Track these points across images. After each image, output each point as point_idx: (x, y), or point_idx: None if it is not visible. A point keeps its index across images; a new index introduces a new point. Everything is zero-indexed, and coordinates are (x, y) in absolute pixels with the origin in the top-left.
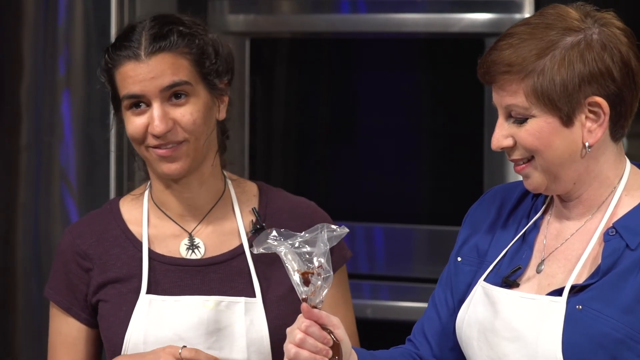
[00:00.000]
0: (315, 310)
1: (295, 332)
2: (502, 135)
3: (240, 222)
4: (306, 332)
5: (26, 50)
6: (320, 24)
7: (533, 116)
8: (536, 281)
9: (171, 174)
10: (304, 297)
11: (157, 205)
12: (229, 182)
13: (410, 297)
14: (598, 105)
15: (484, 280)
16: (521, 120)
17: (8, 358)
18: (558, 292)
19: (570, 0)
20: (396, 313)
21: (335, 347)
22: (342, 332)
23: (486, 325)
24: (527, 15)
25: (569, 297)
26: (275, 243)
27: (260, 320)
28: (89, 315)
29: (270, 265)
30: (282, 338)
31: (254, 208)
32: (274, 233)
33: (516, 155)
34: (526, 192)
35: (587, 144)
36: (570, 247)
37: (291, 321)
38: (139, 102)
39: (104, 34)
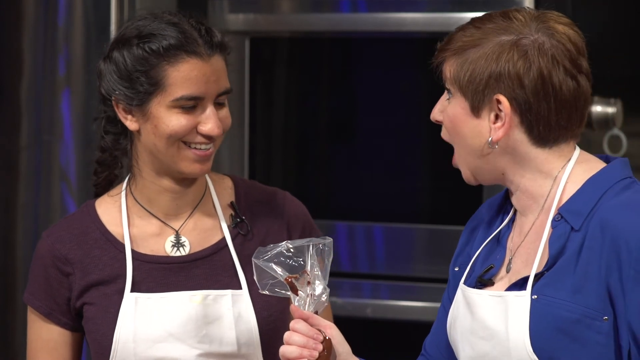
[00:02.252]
0: (305, 311)
1: (285, 332)
2: (438, 108)
3: (221, 217)
4: (293, 329)
5: (26, 50)
6: (320, 24)
7: (453, 95)
8: (507, 279)
9: (201, 173)
10: (295, 304)
11: (140, 204)
12: (207, 177)
13: (410, 297)
14: (502, 104)
15: (463, 283)
16: (448, 97)
17: (8, 358)
18: (516, 285)
19: (571, 3)
20: (396, 312)
21: (326, 342)
22: (335, 332)
23: (466, 327)
24: None
25: (527, 289)
26: (262, 257)
27: (248, 311)
28: (70, 319)
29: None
30: (270, 328)
31: (233, 202)
32: (258, 253)
33: (443, 135)
34: (505, 198)
35: (489, 139)
36: (529, 241)
37: (278, 311)
38: (193, 103)
39: (104, 33)
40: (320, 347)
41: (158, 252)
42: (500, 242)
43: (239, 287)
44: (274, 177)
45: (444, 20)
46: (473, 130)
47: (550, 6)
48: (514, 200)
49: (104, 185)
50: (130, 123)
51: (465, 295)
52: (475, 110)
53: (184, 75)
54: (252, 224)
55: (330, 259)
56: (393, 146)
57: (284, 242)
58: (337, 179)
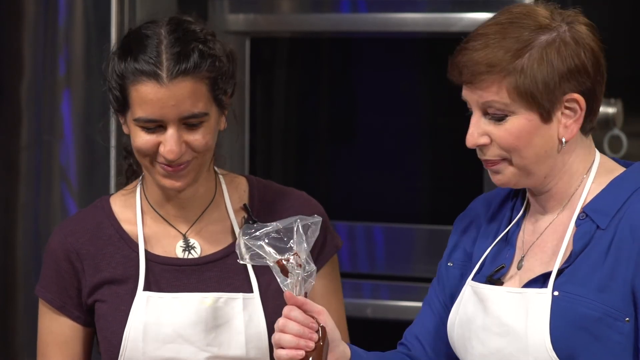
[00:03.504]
0: (300, 297)
1: (278, 319)
2: (477, 132)
3: (233, 219)
4: (288, 317)
5: (26, 50)
6: (320, 24)
7: (513, 112)
8: (517, 277)
9: (174, 189)
10: (286, 289)
11: (151, 206)
12: (221, 178)
13: (410, 297)
14: (575, 101)
15: (472, 279)
16: (499, 118)
17: (8, 358)
18: (535, 282)
19: (571, 3)
20: (396, 313)
21: (321, 331)
22: (327, 318)
23: (477, 323)
24: None
25: (547, 286)
26: (248, 239)
27: (259, 315)
28: (83, 313)
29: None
30: None
31: (245, 204)
32: (244, 229)
33: (490, 155)
34: (508, 195)
35: (563, 139)
36: (545, 240)
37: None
38: (153, 124)
39: (104, 33)
40: (316, 336)
41: (169, 254)
42: (509, 241)
43: (251, 291)
44: (274, 178)
45: (444, 20)
46: (543, 137)
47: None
48: (538, 200)
49: (132, 173)
50: (124, 127)
51: (476, 292)
52: (547, 116)
53: (141, 97)
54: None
55: (315, 238)
56: (393, 146)
57: (274, 223)
58: (337, 179)
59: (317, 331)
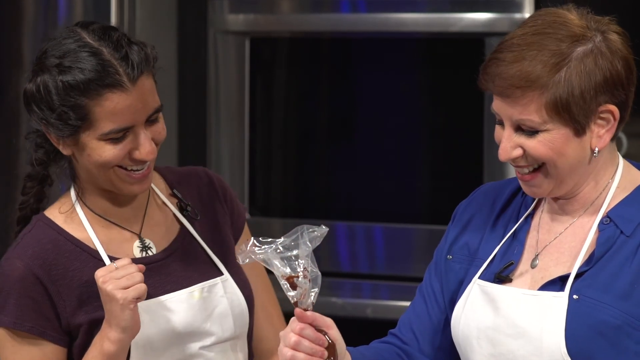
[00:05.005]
0: (309, 312)
1: (289, 335)
2: (510, 146)
3: (172, 207)
4: (300, 335)
5: (26, 50)
6: (320, 24)
7: (546, 130)
8: (529, 276)
9: (140, 192)
10: (294, 300)
11: (98, 215)
12: None
13: (410, 297)
14: (610, 112)
15: (479, 278)
16: (531, 132)
17: None
18: (552, 284)
19: (567, 0)
20: (396, 313)
21: (331, 347)
22: (336, 332)
23: (486, 323)
24: (527, 15)
25: (564, 289)
26: (258, 251)
27: (237, 294)
28: (62, 334)
29: (217, 242)
30: (252, 304)
31: (174, 191)
32: (253, 241)
33: (523, 163)
34: (517, 191)
35: (596, 149)
36: (563, 241)
37: (254, 285)
38: (123, 133)
39: None
40: (326, 353)
41: (130, 256)
42: (516, 237)
43: (218, 271)
44: (273, 178)
45: (444, 20)
46: (576, 148)
47: (551, 7)
48: (559, 202)
49: (33, 204)
50: (63, 149)
51: (486, 291)
52: (582, 131)
53: (109, 110)
54: (196, 205)
55: (315, 244)
56: (393, 146)
57: (281, 238)
58: (337, 179)
59: (327, 347)
